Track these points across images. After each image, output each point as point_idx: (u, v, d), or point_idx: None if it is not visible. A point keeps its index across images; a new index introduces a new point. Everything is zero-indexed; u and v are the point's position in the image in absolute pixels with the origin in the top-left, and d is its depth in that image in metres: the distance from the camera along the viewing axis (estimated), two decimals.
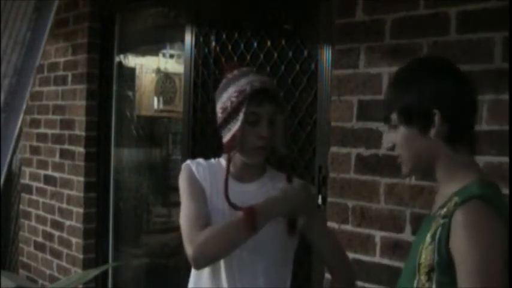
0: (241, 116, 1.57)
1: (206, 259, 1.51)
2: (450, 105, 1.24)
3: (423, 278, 1.21)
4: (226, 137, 1.62)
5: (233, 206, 1.58)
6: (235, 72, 1.64)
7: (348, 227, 2.37)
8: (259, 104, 1.57)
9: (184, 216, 1.58)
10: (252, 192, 1.65)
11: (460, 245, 1.14)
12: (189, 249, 1.49)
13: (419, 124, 1.25)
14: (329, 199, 2.45)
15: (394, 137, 1.30)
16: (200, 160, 1.74)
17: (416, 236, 1.38)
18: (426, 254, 1.20)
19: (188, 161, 1.73)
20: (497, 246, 1.13)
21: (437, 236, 1.19)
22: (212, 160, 1.75)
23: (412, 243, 1.38)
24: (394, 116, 1.29)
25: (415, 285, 1.23)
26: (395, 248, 2.23)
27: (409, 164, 1.31)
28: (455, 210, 1.17)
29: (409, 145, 1.28)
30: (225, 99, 1.61)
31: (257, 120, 1.58)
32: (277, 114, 1.62)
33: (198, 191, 1.63)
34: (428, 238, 1.21)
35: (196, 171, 1.68)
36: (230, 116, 1.59)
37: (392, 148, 1.33)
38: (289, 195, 1.55)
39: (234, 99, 1.58)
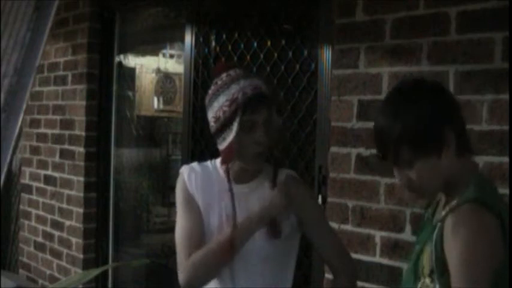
0: (235, 125, 1.54)
1: (192, 286, 1.59)
2: (456, 119, 1.25)
3: (427, 280, 1.21)
4: (222, 145, 1.59)
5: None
6: (224, 77, 1.60)
7: (348, 227, 2.37)
8: (253, 112, 1.54)
9: (178, 233, 1.63)
10: (247, 193, 1.65)
11: (450, 247, 1.15)
12: (179, 275, 1.58)
13: (435, 148, 1.22)
14: (329, 199, 2.45)
15: (411, 174, 1.25)
16: (194, 165, 1.72)
17: (417, 237, 1.37)
18: (426, 257, 1.21)
19: (182, 168, 1.72)
20: (487, 248, 1.13)
21: (434, 238, 1.20)
22: (208, 163, 1.73)
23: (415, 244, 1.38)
24: (403, 152, 1.23)
25: (418, 286, 1.22)
26: (396, 248, 2.23)
27: (432, 190, 1.29)
28: (449, 214, 1.18)
29: (429, 174, 1.24)
30: (216, 108, 1.58)
31: (253, 127, 1.55)
32: (271, 117, 1.59)
33: (190, 207, 1.65)
34: (428, 241, 1.22)
35: (189, 182, 1.67)
36: (224, 125, 1.56)
37: (410, 184, 1.27)
38: (263, 209, 1.58)
39: (226, 108, 1.55)
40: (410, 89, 1.29)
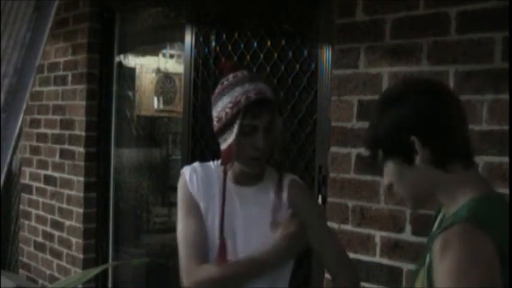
0: (235, 128, 1.54)
1: None
2: (428, 129, 1.16)
3: None
4: (223, 146, 1.60)
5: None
6: (230, 78, 1.60)
7: (348, 227, 2.37)
8: (254, 117, 1.54)
9: (180, 237, 1.62)
10: (250, 196, 1.66)
11: (437, 270, 1.07)
12: (184, 281, 1.58)
13: (402, 155, 1.18)
14: (329, 199, 2.45)
15: (387, 175, 1.23)
16: (196, 166, 1.72)
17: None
18: (420, 279, 1.16)
19: (184, 169, 1.72)
20: (477, 272, 1.01)
21: (426, 261, 1.14)
22: (211, 163, 1.73)
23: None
24: (380, 152, 1.22)
25: None
26: (396, 248, 2.23)
27: (409, 198, 1.24)
28: (439, 235, 1.10)
29: (402, 179, 1.21)
30: (219, 108, 1.58)
31: (253, 132, 1.55)
32: (274, 122, 1.59)
33: (192, 209, 1.65)
34: (422, 263, 1.17)
35: (190, 183, 1.67)
36: (225, 126, 1.57)
37: (391, 187, 1.25)
38: (283, 248, 1.59)
39: (228, 110, 1.55)
40: (397, 90, 1.25)
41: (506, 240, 1.07)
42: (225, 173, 1.65)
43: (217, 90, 1.63)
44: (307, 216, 1.66)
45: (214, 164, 1.72)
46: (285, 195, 1.65)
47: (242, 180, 1.66)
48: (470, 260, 1.02)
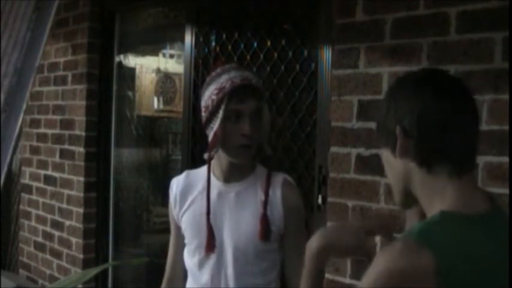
0: (221, 113, 1.53)
1: None
2: (414, 123, 1.08)
3: None
4: (210, 135, 1.59)
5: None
6: (218, 69, 1.61)
7: None
8: (239, 101, 1.54)
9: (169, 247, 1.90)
10: (238, 193, 1.64)
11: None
12: None
13: (388, 143, 1.14)
14: (329, 199, 2.45)
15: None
16: (182, 175, 1.76)
17: None
18: None
19: (171, 182, 1.77)
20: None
21: None
22: (201, 168, 1.73)
23: None
24: (380, 136, 1.20)
25: None
26: None
27: (393, 190, 1.19)
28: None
29: (386, 167, 1.18)
30: (206, 97, 1.59)
31: (238, 117, 1.55)
32: (261, 111, 1.58)
33: (173, 230, 1.87)
34: None
35: (171, 196, 1.76)
36: (212, 114, 1.56)
37: None
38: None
39: (214, 97, 1.55)
40: (403, 78, 1.20)
41: (463, 269, 0.99)
42: (209, 159, 1.63)
43: (205, 83, 1.64)
44: (291, 223, 1.65)
45: (203, 168, 1.72)
46: (277, 192, 1.63)
47: (230, 176, 1.64)
48: (394, 277, 0.98)
